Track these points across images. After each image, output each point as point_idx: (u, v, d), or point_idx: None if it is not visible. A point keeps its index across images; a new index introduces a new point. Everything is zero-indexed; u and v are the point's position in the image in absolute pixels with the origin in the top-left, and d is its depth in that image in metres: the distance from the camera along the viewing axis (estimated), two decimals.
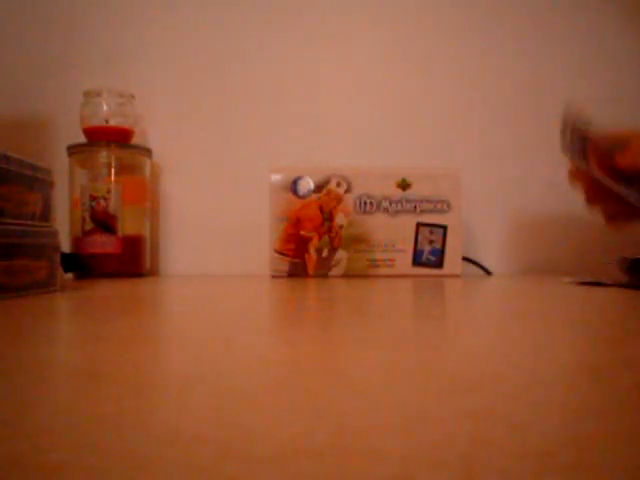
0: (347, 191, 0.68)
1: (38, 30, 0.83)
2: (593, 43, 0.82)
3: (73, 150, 0.72)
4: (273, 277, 0.67)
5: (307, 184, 0.68)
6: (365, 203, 0.68)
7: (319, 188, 0.68)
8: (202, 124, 0.83)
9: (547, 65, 0.82)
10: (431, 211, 0.69)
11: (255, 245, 0.77)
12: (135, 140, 0.76)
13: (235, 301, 0.40)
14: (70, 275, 0.69)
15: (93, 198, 0.69)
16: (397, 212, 0.69)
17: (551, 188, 0.81)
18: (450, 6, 0.82)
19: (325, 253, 0.68)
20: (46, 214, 0.44)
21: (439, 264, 0.69)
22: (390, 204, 0.69)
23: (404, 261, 0.69)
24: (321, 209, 0.68)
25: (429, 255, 0.69)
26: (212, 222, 0.82)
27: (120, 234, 0.69)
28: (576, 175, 0.56)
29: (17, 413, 0.12)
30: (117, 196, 0.69)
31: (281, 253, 0.68)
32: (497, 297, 0.42)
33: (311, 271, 0.68)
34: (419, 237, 0.69)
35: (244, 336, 0.22)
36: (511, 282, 0.59)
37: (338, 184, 0.68)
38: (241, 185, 0.82)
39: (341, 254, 0.68)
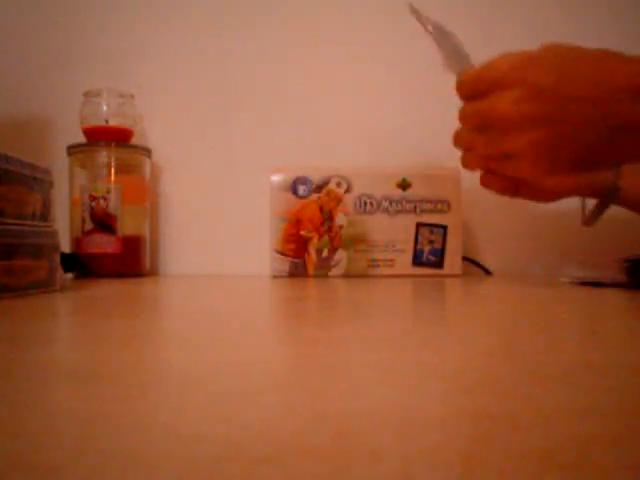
0: (347, 191, 0.68)
1: (38, 30, 0.83)
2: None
3: (73, 150, 0.72)
4: (273, 277, 0.67)
5: (307, 184, 0.68)
6: (365, 203, 0.68)
7: (319, 188, 0.68)
8: (202, 124, 0.83)
9: None
10: (431, 211, 0.69)
11: (255, 245, 0.77)
12: (135, 140, 0.76)
13: (235, 301, 0.40)
14: (70, 275, 0.69)
15: (93, 198, 0.69)
16: (397, 212, 0.69)
17: None
18: (452, 5, 0.82)
19: (325, 253, 0.68)
20: (46, 214, 0.44)
21: (439, 264, 0.69)
22: (390, 204, 0.69)
23: (404, 261, 0.69)
24: (321, 209, 0.68)
25: (429, 255, 0.69)
26: (212, 222, 0.82)
27: (120, 234, 0.69)
28: (471, 158, 0.50)
29: (17, 413, 0.12)
30: (117, 196, 0.69)
31: (281, 253, 0.68)
32: (497, 297, 0.42)
33: (311, 271, 0.68)
34: (419, 237, 0.69)
35: (244, 336, 0.22)
36: (511, 282, 0.59)
37: (338, 184, 0.68)
38: (241, 185, 0.82)
39: (341, 254, 0.68)
